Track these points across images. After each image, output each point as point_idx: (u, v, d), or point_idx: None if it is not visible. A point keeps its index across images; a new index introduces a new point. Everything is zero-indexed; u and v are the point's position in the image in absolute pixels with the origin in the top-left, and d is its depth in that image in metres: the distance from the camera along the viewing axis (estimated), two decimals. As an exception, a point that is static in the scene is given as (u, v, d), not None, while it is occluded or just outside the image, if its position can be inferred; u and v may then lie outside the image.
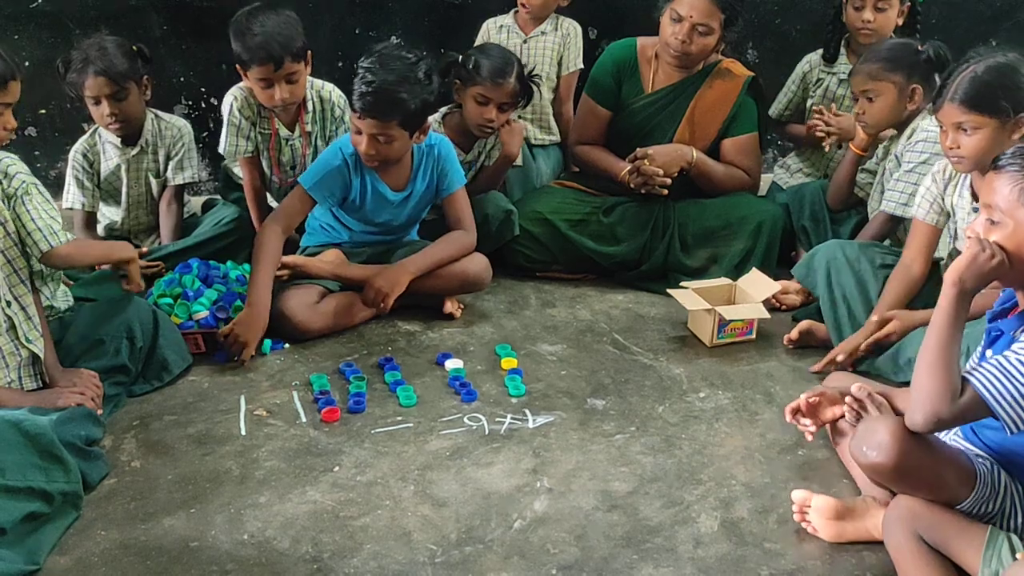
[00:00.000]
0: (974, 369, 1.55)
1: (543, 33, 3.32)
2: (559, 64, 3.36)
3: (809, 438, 2.00)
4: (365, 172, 2.60)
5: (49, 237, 2.07)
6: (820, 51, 3.24)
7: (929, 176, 2.37)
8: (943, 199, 2.34)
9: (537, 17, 3.31)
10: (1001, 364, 1.52)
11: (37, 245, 2.06)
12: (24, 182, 2.05)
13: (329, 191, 2.59)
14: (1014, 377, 1.50)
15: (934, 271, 2.40)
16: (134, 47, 2.72)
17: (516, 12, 3.35)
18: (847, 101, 3.20)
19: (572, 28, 3.36)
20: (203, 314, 2.47)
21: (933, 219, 2.35)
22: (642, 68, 3.01)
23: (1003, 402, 1.50)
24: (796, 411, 1.98)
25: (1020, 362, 1.50)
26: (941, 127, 2.19)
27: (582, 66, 3.39)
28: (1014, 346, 1.55)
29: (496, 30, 3.34)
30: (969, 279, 1.59)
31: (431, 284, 2.66)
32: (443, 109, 3.00)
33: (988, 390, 1.51)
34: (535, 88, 2.95)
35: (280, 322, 2.48)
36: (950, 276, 1.60)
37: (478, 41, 3.33)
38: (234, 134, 2.80)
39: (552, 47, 3.31)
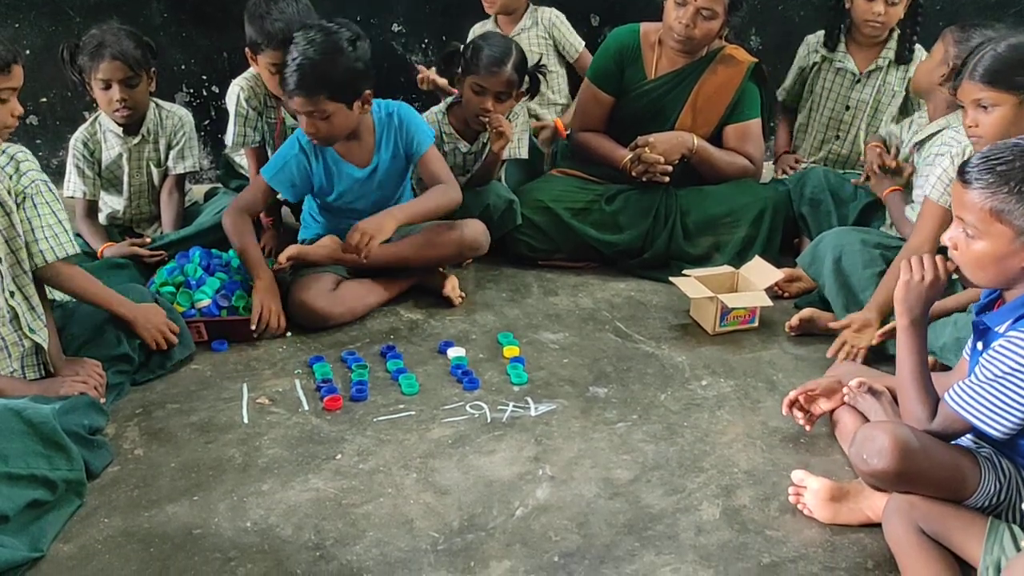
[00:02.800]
0: (951, 389, 1.62)
1: (524, 29, 3.30)
2: (557, 55, 3.34)
3: (808, 428, 2.01)
4: (326, 155, 2.58)
5: (55, 249, 2.03)
6: (820, 33, 3.22)
7: (948, 158, 2.37)
8: None
9: (507, 13, 3.28)
10: (973, 381, 1.59)
11: (42, 255, 2.02)
12: (34, 180, 2.01)
13: (289, 181, 2.57)
14: (985, 390, 1.56)
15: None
16: (137, 34, 2.72)
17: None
18: (843, 90, 3.18)
19: (552, 15, 3.35)
20: (205, 302, 2.47)
21: (947, 201, 2.34)
22: (645, 54, 2.99)
23: (980, 415, 1.57)
24: (793, 403, 1.99)
25: (988, 375, 1.56)
26: (963, 106, 2.19)
27: (583, 43, 3.38)
28: (983, 357, 1.59)
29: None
30: (913, 306, 1.69)
31: (429, 254, 2.66)
32: (448, 99, 2.99)
33: (964, 408, 1.59)
34: (542, 79, 2.93)
35: (300, 311, 2.49)
36: (898, 308, 1.70)
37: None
38: (242, 124, 2.80)
39: (538, 40, 3.30)
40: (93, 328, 2.19)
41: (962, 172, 1.61)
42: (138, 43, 2.68)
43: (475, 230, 2.70)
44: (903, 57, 3.12)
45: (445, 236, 2.66)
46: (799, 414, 2.01)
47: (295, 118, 2.82)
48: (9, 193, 1.97)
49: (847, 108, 3.20)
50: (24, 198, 2.01)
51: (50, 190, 2.05)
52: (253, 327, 2.43)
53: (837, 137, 3.23)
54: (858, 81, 3.16)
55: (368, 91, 2.48)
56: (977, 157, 1.61)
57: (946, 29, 2.66)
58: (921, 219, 2.40)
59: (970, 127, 2.17)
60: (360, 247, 2.45)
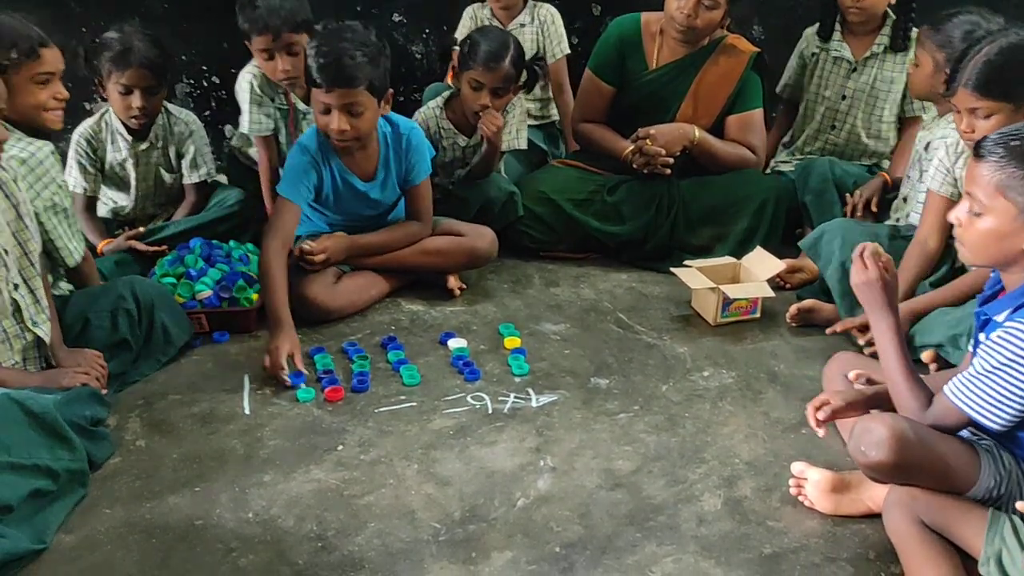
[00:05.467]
0: (951, 382, 1.62)
1: (522, 25, 3.28)
2: (544, 52, 3.33)
3: (821, 434, 1.86)
4: (332, 163, 2.55)
5: (78, 249, 2.25)
6: (817, 25, 3.17)
7: (943, 148, 2.36)
8: (954, 170, 2.32)
9: (508, 7, 3.27)
10: (971, 373, 1.59)
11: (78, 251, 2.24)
12: (60, 188, 2.15)
13: (307, 189, 2.53)
14: (983, 382, 1.56)
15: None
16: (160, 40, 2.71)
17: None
18: (840, 79, 3.12)
19: (549, 14, 3.32)
20: (206, 294, 2.47)
21: (947, 191, 2.34)
22: (646, 44, 2.98)
23: (977, 407, 1.57)
24: (817, 411, 1.83)
25: (986, 367, 1.55)
26: (956, 109, 2.17)
27: (568, 51, 3.36)
28: (981, 348, 1.59)
29: (479, 21, 3.31)
30: (875, 300, 1.71)
31: (439, 261, 2.67)
32: (445, 93, 2.97)
33: (962, 401, 1.58)
34: (538, 73, 2.93)
35: (301, 305, 2.48)
36: (865, 307, 1.75)
37: (460, 27, 3.31)
38: (256, 111, 2.81)
39: (532, 38, 3.28)
40: (83, 318, 2.18)
41: (977, 147, 1.62)
42: (162, 50, 2.66)
43: (486, 240, 2.71)
44: (897, 45, 3.05)
45: (456, 246, 2.67)
46: (817, 424, 1.84)
47: (307, 103, 2.82)
48: (15, 183, 1.98)
49: (843, 98, 3.13)
50: (53, 204, 2.14)
51: (69, 193, 2.22)
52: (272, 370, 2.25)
53: (833, 127, 3.18)
54: (854, 70, 3.10)
55: (391, 90, 2.48)
56: (995, 133, 1.61)
57: (920, 33, 2.59)
58: (925, 210, 2.40)
59: (966, 131, 2.15)
60: (310, 259, 2.51)
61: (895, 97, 3.10)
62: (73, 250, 2.23)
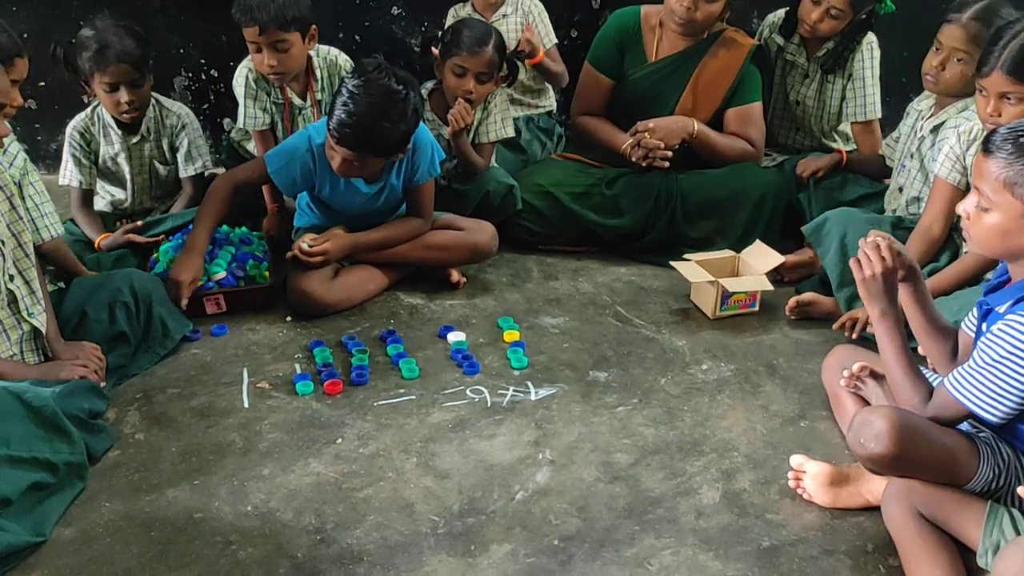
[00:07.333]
0: (951, 375, 1.62)
1: (504, 16, 3.26)
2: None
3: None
4: None
5: (54, 226, 2.28)
6: (780, 12, 3.07)
7: (954, 135, 2.34)
8: (965, 158, 2.32)
9: (490, 1, 3.25)
10: (971, 365, 1.59)
11: (48, 229, 2.26)
12: (26, 160, 2.15)
13: (291, 179, 2.53)
14: (982, 375, 1.56)
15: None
16: (135, 29, 2.69)
17: None
18: (795, 84, 3.05)
19: (534, 5, 3.29)
20: (222, 275, 2.51)
21: (955, 178, 2.33)
22: (646, 36, 2.97)
23: (976, 400, 1.57)
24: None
25: (986, 360, 1.56)
26: (983, 91, 2.14)
27: (555, 41, 3.34)
28: (981, 341, 1.59)
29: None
30: (878, 297, 1.70)
31: (440, 256, 2.67)
32: (428, 85, 2.96)
33: (961, 394, 1.59)
34: (519, 65, 2.93)
35: (299, 299, 2.49)
36: (866, 304, 1.73)
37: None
38: (251, 105, 2.80)
39: (516, 28, 3.25)
40: (80, 310, 2.18)
41: (986, 142, 1.61)
42: (138, 40, 2.63)
43: (487, 235, 2.70)
44: (828, 66, 2.95)
45: (457, 241, 2.67)
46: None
47: (303, 98, 2.82)
48: (11, 177, 1.99)
49: (798, 103, 3.08)
50: (23, 177, 2.14)
51: (35, 169, 2.24)
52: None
53: (798, 129, 3.13)
54: (807, 76, 3.03)
55: (408, 148, 2.46)
56: (1005, 128, 1.60)
57: (947, 30, 2.42)
58: (932, 197, 2.40)
59: (991, 115, 2.13)
60: (310, 257, 2.50)
61: (838, 106, 3.03)
62: (53, 224, 2.27)
